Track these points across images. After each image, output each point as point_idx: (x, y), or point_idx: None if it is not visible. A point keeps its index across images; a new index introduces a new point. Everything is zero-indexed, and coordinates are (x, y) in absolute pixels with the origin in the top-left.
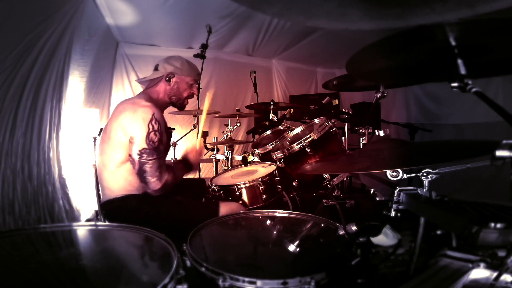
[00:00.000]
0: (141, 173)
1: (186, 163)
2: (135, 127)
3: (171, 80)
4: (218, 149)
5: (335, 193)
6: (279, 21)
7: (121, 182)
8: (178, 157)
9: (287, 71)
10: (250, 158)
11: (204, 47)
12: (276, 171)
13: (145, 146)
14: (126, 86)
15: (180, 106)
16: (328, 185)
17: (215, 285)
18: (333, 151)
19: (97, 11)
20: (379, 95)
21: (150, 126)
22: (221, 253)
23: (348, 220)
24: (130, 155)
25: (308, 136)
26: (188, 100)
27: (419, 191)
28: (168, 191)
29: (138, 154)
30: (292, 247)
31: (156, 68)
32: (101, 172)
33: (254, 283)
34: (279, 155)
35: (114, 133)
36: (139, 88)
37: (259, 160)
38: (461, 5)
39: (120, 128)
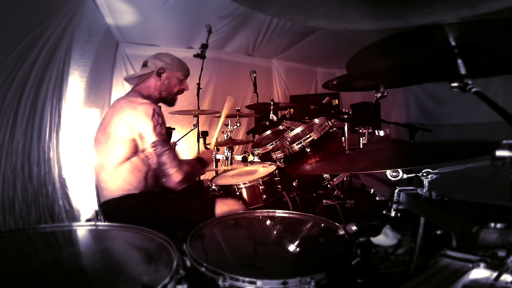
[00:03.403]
0: (160, 166)
1: (201, 160)
2: (141, 122)
3: (162, 75)
4: (218, 149)
5: (335, 193)
6: (279, 21)
7: (120, 181)
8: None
9: (287, 71)
10: (250, 158)
11: (204, 47)
12: (276, 171)
13: (155, 138)
14: (126, 86)
15: (170, 101)
16: (328, 185)
17: (215, 285)
18: (333, 151)
19: (97, 11)
20: (379, 95)
21: (155, 120)
22: (221, 253)
23: (348, 220)
24: (143, 151)
25: (308, 136)
26: (178, 96)
27: (419, 191)
28: (188, 184)
29: (153, 147)
30: (292, 247)
31: (145, 65)
32: (99, 173)
33: (254, 283)
34: (279, 155)
35: (115, 131)
36: None
37: (259, 160)
38: (461, 5)
39: (124, 125)
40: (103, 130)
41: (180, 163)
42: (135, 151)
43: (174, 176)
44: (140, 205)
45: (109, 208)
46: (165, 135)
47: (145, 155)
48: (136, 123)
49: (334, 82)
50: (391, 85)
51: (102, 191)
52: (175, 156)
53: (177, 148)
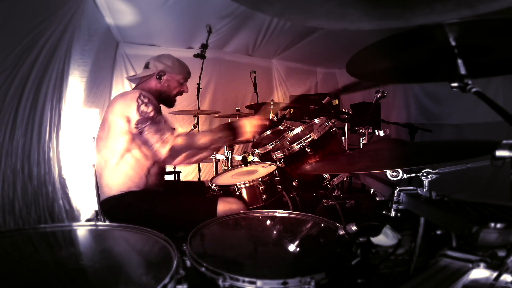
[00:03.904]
0: (145, 144)
1: (231, 127)
2: (127, 107)
3: (162, 78)
4: (218, 149)
5: (335, 193)
6: (279, 21)
7: (121, 178)
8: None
9: (287, 71)
10: (250, 158)
11: (204, 47)
12: (276, 171)
13: (138, 117)
14: (126, 86)
15: (169, 103)
16: (328, 185)
17: (215, 285)
18: (333, 151)
19: (97, 11)
20: (379, 95)
21: (139, 101)
22: (221, 253)
23: (348, 220)
24: (132, 133)
25: (308, 136)
26: (177, 98)
27: (419, 191)
28: (185, 160)
29: (135, 127)
30: (292, 247)
31: (146, 66)
32: (101, 170)
33: (254, 283)
34: (279, 155)
35: (112, 124)
36: None
37: (259, 160)
38: (461, 5)
39: (116, 116)
40: (102, 127)
41: (162, 136)
42: (133, 139)
43: (159, 151)
44: (140, 203)
45: (109, 206)
46: (150, 112)
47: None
48: (124, 109)
49: (339, 87)
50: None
51: (102, 188)
52: (156, 129)
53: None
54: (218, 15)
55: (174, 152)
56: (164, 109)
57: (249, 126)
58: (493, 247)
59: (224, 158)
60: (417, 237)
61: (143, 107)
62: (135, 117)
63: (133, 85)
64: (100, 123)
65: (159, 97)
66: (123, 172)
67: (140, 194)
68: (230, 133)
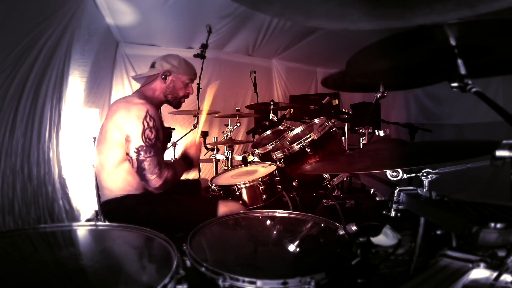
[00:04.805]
0: (140, 171)
1: (187, 159)
2: (130, 125)
3: (167, 78)
4: (218, 149)
5: (335, 193)
6: (279, 21)
7: (119, 182)
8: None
9: (287, 71)
10: (250, 158)
11: (204, 47)
12: (276, 171)
13: (142, 143)
14: (126, 86)
15: (176, 104)
16: (328, 185)
17: (215, 285)
18: (333, 151)
19: (97, 11)
20: (379, 95)
21: (145, 123)
22: (221, 253)
23: (348, 220)
24: (127, 154)
25: (308, 136)
26: (184, 99)
27: (419, 191)
28: (169, 188)
29: (135, 152)
30: (292, 247)
31: (152, 65)
32: (100, 173)
33: (254, 283)
34: (279, 155)
35: (109, 133)
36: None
37: (259, 160)
38: (461, 5)
39: (115, 128)
40: (101, 131)
41: (161, 170)
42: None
43: (153, 181)
44: (140, 205)
45: (110, 208)
46: (154, 139)
47: (128, 158)
48: (126, 125)
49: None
50: (392, 86)
51: (103, 190)
52: (157, 163)
53: (177, 148)
54: (218, 15)
55: (166, 184)
56: (164, 109)
57: (193, 150)
58: (493, 247)
59: (224, 158)
60: (417, 237)
61: (148, 132)
62: (137, 141)
63: (138, 85)
64: (101, 125)
65: (165, 99)
66: (121, 177)
67: (140, 196)
68: (187, 164)
